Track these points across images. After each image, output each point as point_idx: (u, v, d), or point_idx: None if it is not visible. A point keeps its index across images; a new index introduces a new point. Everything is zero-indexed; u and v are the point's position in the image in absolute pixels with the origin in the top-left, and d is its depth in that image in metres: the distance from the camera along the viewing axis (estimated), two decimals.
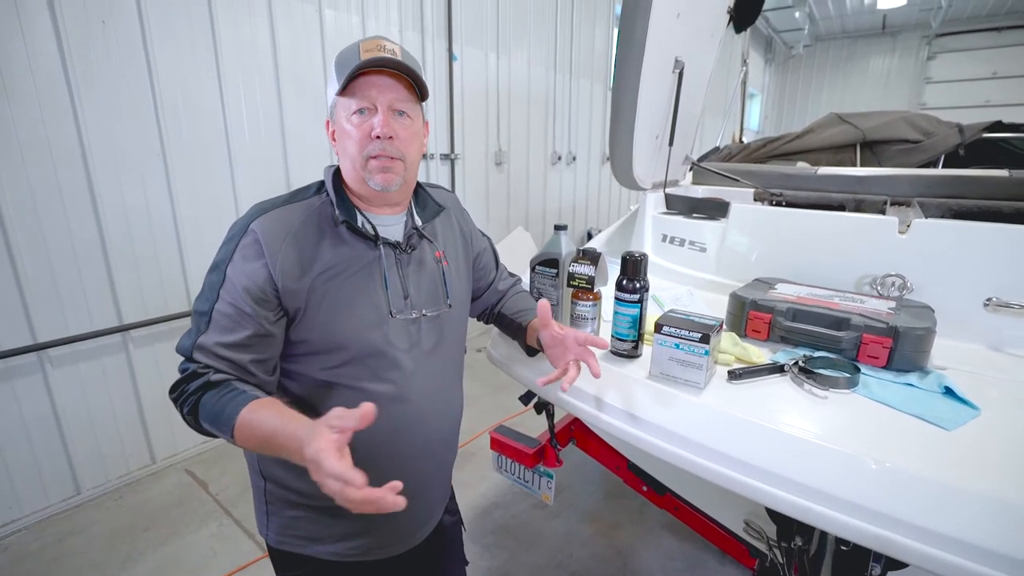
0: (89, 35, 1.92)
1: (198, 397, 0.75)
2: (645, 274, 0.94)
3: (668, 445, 0.81)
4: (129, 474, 2.29)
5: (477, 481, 2.33)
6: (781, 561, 1.17)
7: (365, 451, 0.84)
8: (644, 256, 0.93)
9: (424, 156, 3.42)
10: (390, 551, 0.94)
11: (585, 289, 1.03)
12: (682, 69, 1.63)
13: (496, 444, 1.55)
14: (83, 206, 1.99)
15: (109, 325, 2.12)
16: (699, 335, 0.83)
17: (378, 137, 0.78)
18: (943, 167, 2.12)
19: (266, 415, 0.71)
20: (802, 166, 2.17)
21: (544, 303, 0.89)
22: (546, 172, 4.71)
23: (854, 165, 2.28)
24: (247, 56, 2.38)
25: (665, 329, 0.86)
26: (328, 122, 0.85)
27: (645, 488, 1.64)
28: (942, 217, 1.37)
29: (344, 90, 0.78)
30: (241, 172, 2.43)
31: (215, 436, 0.76)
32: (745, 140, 2.60)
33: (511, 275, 1.15)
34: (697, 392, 0.84)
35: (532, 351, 1.05)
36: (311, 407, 0.82)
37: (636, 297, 0.93)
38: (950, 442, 0.72)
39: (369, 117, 0.78)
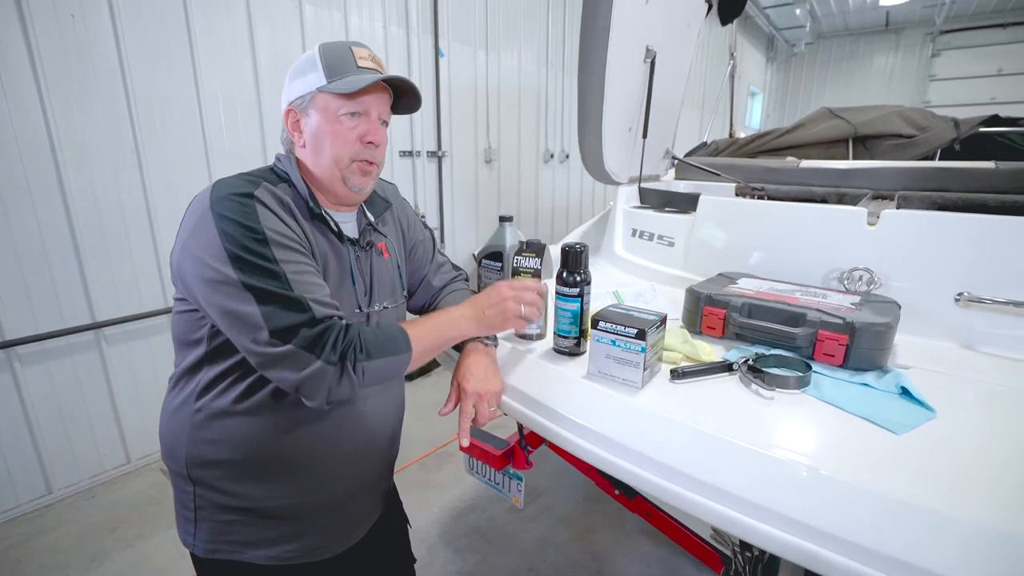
0: (58, 29, 1.89)
1: (362, 341, 0.74)
2: (586, 266, 0.89)
3: (596, 448, 0.75)
4: (103, 473, 2.26)
5: (453, 483, 2.28)
6: (743, 567, 1.11)
7: (316, 445, 0.82)
8: (585, 247, 0.88)
9: (410, 153, 3.38)
10: (330, 551, 0.90)
11: None
12: (654, 58, 1.58)
13: None
14: (52, 200, 1.96)
15: (81, 322, 2.09)
16: (635, 331, 0.77)
17: (370, 143, 0.82)
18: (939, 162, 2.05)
19: (424, 321, 0.84)
20: (790, 161, 2.11)
21: None
22: (538, 170, 4.65)
23: (846, 160, 2.21)
24: (225, 49, 2.35)
25: (602, 324, 0.81)
26: (291, 111, 0.82)
27: (617, 492, 1.58)
28: (924, 210, 1.30)
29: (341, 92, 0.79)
30: (218, 166, 2.39)
31: (381, 376, 0.76)
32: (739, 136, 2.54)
33: (455, 268, 1.10)
34: (634, 392, 0.79)
35: None
36: (271, 397, 0.79)
37: (576, 291, 0.88)
38: (897, 447, 0.66)
39: (360, 122, 0.81)
